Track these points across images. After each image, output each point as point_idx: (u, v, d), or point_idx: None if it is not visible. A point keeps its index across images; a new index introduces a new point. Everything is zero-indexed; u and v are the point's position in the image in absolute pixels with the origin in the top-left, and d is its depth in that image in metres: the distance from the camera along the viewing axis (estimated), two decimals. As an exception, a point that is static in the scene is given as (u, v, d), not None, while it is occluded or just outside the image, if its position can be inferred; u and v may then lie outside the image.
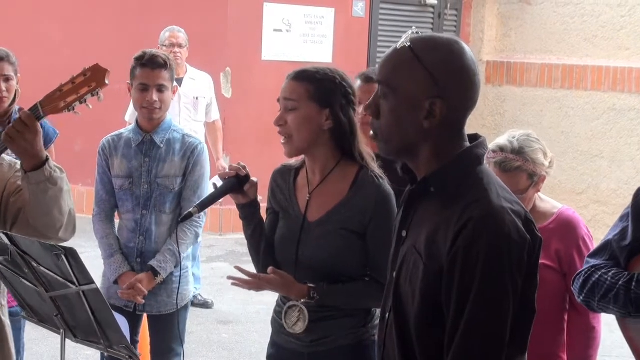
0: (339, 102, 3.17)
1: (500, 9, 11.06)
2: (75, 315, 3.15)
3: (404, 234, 2.29)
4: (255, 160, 8.54)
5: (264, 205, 3.30)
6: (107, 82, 2.95)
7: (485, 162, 2.26)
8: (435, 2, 10.96)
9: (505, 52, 11.02)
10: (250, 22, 9.78)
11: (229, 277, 3.19)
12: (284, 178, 3.32)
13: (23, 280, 3.14)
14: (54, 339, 3.79)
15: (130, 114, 7.12)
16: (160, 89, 4.21)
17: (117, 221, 4.41)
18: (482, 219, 2.10)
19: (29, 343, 4.46)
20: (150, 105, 4.21)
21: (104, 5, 10.19)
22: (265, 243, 3.28)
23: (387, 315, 2.31)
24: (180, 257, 4.24)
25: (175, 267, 4.26)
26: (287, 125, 3.15)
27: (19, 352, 4.24)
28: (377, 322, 2.98)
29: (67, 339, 3.25)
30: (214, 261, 8.79)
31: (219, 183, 3.25)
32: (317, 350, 3.21)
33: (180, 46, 7.32)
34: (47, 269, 3.01)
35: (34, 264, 3.02)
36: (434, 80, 2.17)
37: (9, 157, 3.24)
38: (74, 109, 2.97)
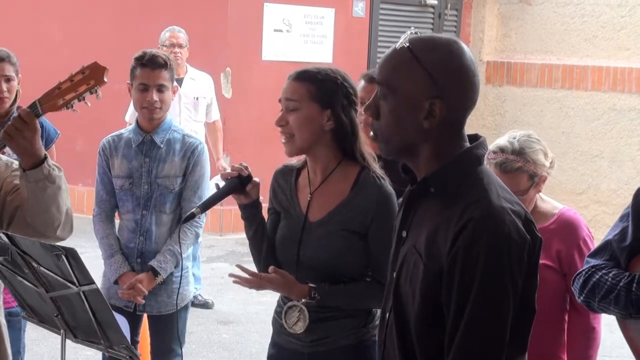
0: (341, 102, 3.17)
1: (500, 9, 11.06)
2: (76, 315, 3.15)
3: (404, 234, 2.29)
4: (256, 160, 8.53)
5: (265, 205, 3.30)
6: (105, 80, 2.95)
7: (485, 162, 2.26)
8: (436, 2, 10.96)
9: (505, 52, 11.02)
10: (250, 22, 9.78)
11: (231, 275, 3.19)
12: (285, 178, 3.32)
13: (23, 280, 3.14)
14: (54, 339, 3.79)
15: (131, 114, 7.12)
16: (161, 88, 4.21)
17: (117, 221, 4.41)
18: (482, 219, 2.10)
19: (29, 343, 4.46)
20: (150, 105, 4.21)
21: (104, 6, 10.19)
22: (267, 243, 3.29)
23: (387, 316, 2.31)
24: (181, 258, 4.24)
25: (175, 267, 4.26)
26: (288, 126, 3.15)
27: (19, 352, 4.24)
28: (377, 322, 2.98)
29: (67, 339, 3.26)
30: (215, 261, 8.79)
31: (222, 183, 3.25)
32: (318, 350, 3.21)
33: (180, 46, 7.32)
34: (48, 269, 3.01)
35: (34, 264, 3.02)
36: (433, 81, 2.17)
37: (5, 157, 3.24)
38: (72, 107, 2.97)
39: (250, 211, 3.28)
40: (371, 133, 2.32)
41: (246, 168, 3.23)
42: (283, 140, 3.19)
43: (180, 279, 4.27)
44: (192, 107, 7.44)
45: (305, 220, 3.21)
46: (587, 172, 10.21)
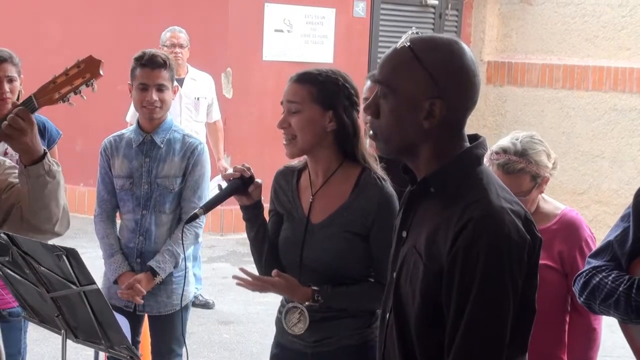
0: (342, 103, 3.17)
1: (501, 9, 11.06)
2: (77, 315, 3.15)
3: (404, 234, 2.29)
4: (256, 160, 8.54)
5: (266, 206, 3.30)
6: (101, 72, 2.96)
7: (488, 163, 2.26)
8: (436, 2, 10.96)
9: (506, 52, 11.02)
10: (251, 23, 9.78)
11: (234, 277, 3.19)
12: (287, 179, 3.32)
13: (24, 280, 3.14)
14: (55, 339, 3.79)
15: (131, 115, 7.12)
16: (160, 88, 4.22)
17: (118, 221, 4.42)
18: (482, 219, 2.10)
19: (30, 344, 4.46)
20: (150, 104, 4.21)
21: (104, 6, 10.19)
22: (268, 245, 3.28)
23: (387, 316, 2.31)
24: (180, 258, 4.24)
25: (174, 267, 4.26)
26: (290, 128, 3.16)
27: (20, 352, 4.24)
28: (380, 322, 2.97)
29: (68, 340, 3.26)
30: (215, 261, 8.79)
31: (224, 184, 3.25)
32: (321, 350, 3.21)
33: (181, 46, 7.32)
34: (48, 270, 3.01)
35: (35, 265, 3.02)
36: (433, 81, 2.17)
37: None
38: (68, 100, 2.98)
39: (252, 212, 3.28)
40: (371, 132, 2.32)
41: (248, 169, 3.23)
42: (284, 142, 3.19)
43: (185, 279, 4.27)
44: (193, 107, 7.44)
45: (307, 223, 3.21)
46: (588, 172, 10.21)
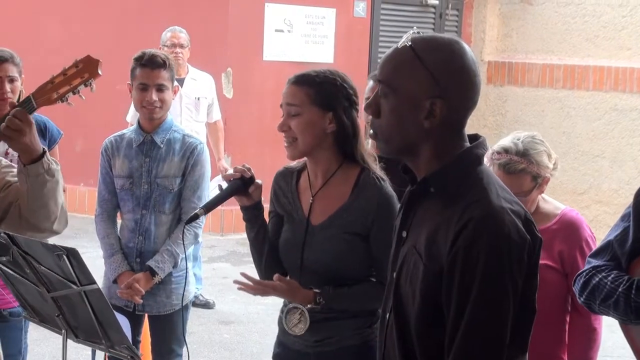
0: (342, 104, 3.17)
1: (501, 9, 11.06)
2: (77, 315, 3.16)
3: (404, 234, 2.29)
4: (257, 160, 8.55)
5: (266, 206, 3.30)
6: (100, 72, 2.97)
7: (489, 163, 2.26)
8: (437, 2, 10.96)
9: (506, 52, 11.02)
10: (251, 23, 9.79)
11: (235, 282, 3.19)
12: (286, 181, 3.31)
13: (25, 280, 3.14)
14: (56, 339, 3.79)
15: (132, 115, 7.12)
16: (160, 88, 4.22)
17: (119, 221, 4.42)
18: (482, 219, 2.10)
19: (30, 344, 4.45)
20: (149, 104, 4.22)
21: (104, 6, 10.19)
22: (268, 246, 3.28)
23: (387, 316, 2.31)
24: (179, 258, 4.24)
25: (173, 267, 4.26)
26: (291, 131, 3.15)
27: (20, 352, 4.23)
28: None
29: (68, 339, 3.26)
30: (216, 261, 8.79)
31: (224, 185, 3.25)
32: (323, 350, 3.21)
33: (181, 46, 7.32)
34: (49, 269, 3.02)
35: (36, 264, 3.02)
36: (434, 80, 2.17)
37: None
38: (67, 100, 2.98)
39: (252, 213, 3.28)
40: (371, 131, 2.31)
41: (249, 170, 3.23)
42: (285, 144, 3.18)
43: (185, 279, 4.28)
44: (194, 107, 7.44)
45: (307, 224, 3.21)
46: (588, 172, 10.20)
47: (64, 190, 4.90)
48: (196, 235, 4.38)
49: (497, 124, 10.86)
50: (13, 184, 3.05)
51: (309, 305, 3.14)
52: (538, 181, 3.39)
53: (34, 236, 3.01)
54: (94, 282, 3.00)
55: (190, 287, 4.45)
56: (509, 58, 10.89)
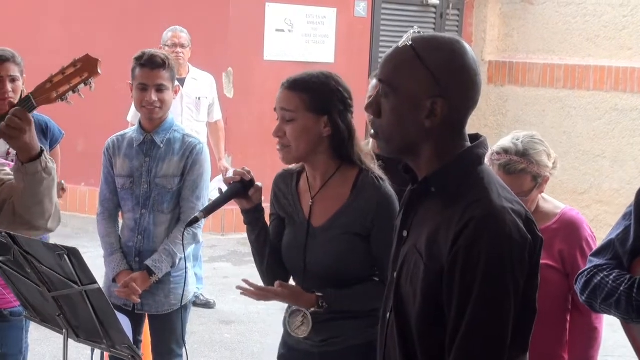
0: (337, 108, 3.15)
1: (502, 9, 11.06)
2: (78, 315, 3.16)
3: (404, 234, 2.29)
4: (257, 160, 8.56)
5: (266, 206, 3.29)
6: (99, 71, 2.97)
7: (489, 163, 2.26)
8: (438, 2, 10.96)
9: (507, 52, 11.02)
10: (252, 22, 9.78)
11: (238, 287, 3.19)
12: (286, 183, 3.31)
13: (26, 280, 3.14)
14: (57, 339, 3.79)
15: (133, 115, 7.13)
16: (160, 88, 4.23)
17: (121, 221, 4.43)
18: (483, 218, 2.10)
19: (31, 343, 4.46)
20: (149, 105, 4.23)
21: (105, 6, 10.19)
22: (269, 248, 3.28)
23: (388, 315, 2.31)
24: (177, 258, 4.24)
25: (171, 267, 4.26)
26: (286, 137, 3.14)
27: (21, 352, 4.24)
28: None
29: (69, 339, 3.26)
30: (216, 261, 8.79)
31: (224, 188, 3.24)
32: (328, 350, 3.21)
33: (182, 46, 7.32)
34: (50, 269, 3.02)
35: (37, 264, 3.02)
36: (435, 80, 2.17)
37: None
38: (67, 99, 2.99)
39: (253, 216, 3.27)
40: (372, 131, 2.31)
41: (248, 172, 3.22)
42: (278, 148, 3.17)
43: (185, 279, 4.28)
44: (194, 107, 7.44)
45: (309, 226, 3.20)
46: (589, 172, 10.20)
47: (65, 190, 4.92)
48: (195, 236, 4.37)
49: (497, 123, 10.86)
50: (6, 182, 3.06)
51: (312, 309, 3.14)
52: (538, 181, 3.39)
53: (27, 233, 3.02)
54: (95, 282, 3.00)
55: (190, 287, 4.45)
56: (510, 58, 10.89)
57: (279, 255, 3.28)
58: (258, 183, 3.23)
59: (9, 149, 4.21)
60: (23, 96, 4.60)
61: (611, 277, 2.82)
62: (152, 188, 4.27)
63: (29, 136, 2.93)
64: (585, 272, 2.91)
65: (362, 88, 3.94)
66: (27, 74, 4.61)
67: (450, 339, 2.12)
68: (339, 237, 3.14)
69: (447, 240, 2.12)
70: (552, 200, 3.54)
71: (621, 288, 2.76)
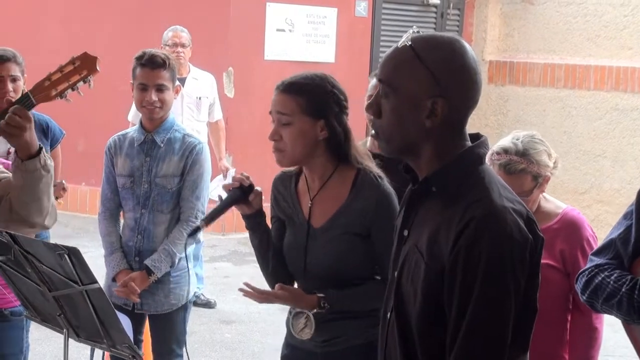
0: (333, 110, 3.14)
1: (503, 9, 11.06)
2: (79, 314, 3.16)
3: (405, 233, 2.29)
4: (258, 160, 8.56)
5: (266, 205, 3.29)
6: (98, 68, 2.98)
7: (489, 163, 2.26)
8: (438, 1, 10.96)
9: (508, 51, 11.02)
10: (252, 22, 9.78)
11: (240, 290, 3.19)
12: (285, 185, 3.31)
13: (26, 279, 3.15)
14: (57, 338, 3.79)
15: (133, 114, 7.12)
16: (160, 88, 4.23)
17: (122, 220, 4.43)
18: (484, 218, 2.10)
19: (32, 343, 4.46)
20: (149, 104, 4.23)
21: (105, 5, 10.19)
22: (273, 252, 3.28)
23: (388, 315, 2.31)
24: (176, 258, 4.24)
25: (171, 267, 4.26)
26: (282, 140, 3.13)
27: (22, 352, 4.24)
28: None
29: (70, 339, 3.26)
30: (217, 261, 8.79)
31: (224, 195, 3.24)
32: (330, 350, 3.21)
33: (183, 46, 7.32)
34: (50, 269, 3.02)
35: (37, 263, 3.02)
36: (435, 80, 2.16)
37: None
38: (66, 97, 3.00)
39: (254, 221, 3.27)
40: (372, 131, 2.31)
41: (247, 178, 3.21)
42: (273, 150, 3.16)
43: (188, 279, 4.28)
44: (195, 107, 7.44)
45: (309, 227, 3.20)
46: (589, 172, 10.20)
47: (65, 190, 4.93)
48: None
49: (498, 123, 10.86)
50: (2, 180, 3.06)
51: (314, 311, 3.14)
52: (539, 180, 3.39)
53: (24, 230, 3.02)
54: (96, 282, 3.00)
55: (190, 287, 4.45)
56: (511, 58, 10.89)
57: (283, 257, 3.28)
58: (257, 188, 3.23)
59: (9, 149, 4.21)
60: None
61: (612, 277, 2.81)
62: (152, 188, 4.27)
63: (29, 134, 2.94)
64: (586, 272, 2.91)
65: (362, 88, 3.93)
66: (28, 73, 4.61)
67: (451, 338, 2.12)
68: (339, 237, 3.14)
69: (448, 240, 2.12)
70: (553, 200, 3.54)
71: (623, 289, 2.76)
